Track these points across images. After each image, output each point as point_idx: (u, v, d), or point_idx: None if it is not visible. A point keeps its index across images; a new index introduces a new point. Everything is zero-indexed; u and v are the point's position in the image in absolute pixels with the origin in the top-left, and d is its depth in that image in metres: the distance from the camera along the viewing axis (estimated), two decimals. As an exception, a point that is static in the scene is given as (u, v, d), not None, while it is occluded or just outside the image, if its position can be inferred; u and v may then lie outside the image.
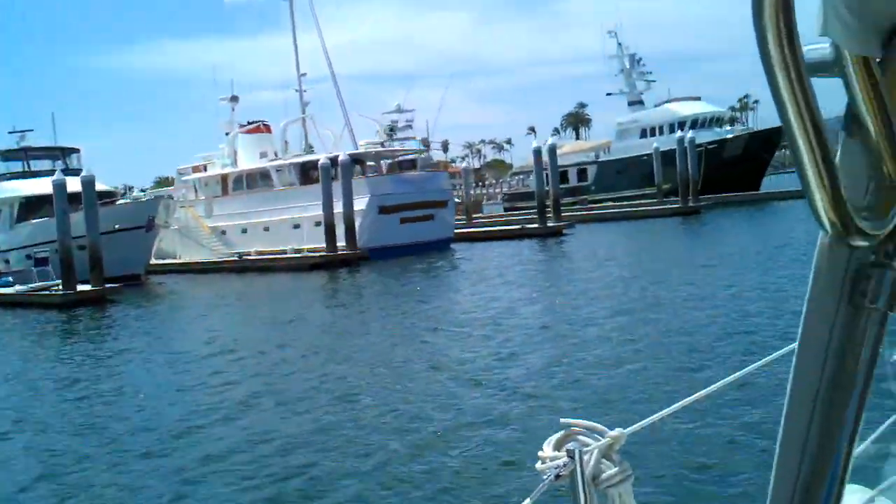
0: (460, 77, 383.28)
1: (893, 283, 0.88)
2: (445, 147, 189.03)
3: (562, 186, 59.08)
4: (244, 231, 37.11)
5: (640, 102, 59.87)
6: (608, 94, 62.64)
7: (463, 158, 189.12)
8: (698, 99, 58.33)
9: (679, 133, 48.52)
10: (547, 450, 1.65)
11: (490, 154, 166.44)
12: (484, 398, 9.72)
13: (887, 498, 2.32)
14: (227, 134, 42.44)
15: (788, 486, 0.93)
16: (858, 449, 3.25)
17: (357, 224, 31.42)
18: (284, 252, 33.05)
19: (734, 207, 43.57)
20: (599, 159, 59.49)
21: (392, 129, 74.81)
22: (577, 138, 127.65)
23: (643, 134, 55.79)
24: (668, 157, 45.18)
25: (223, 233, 38.13)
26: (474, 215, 54.05)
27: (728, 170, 49.86)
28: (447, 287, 22.15)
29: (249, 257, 34.92)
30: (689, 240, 30.71)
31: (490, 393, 9.90)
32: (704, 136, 51.79)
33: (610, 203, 52.21)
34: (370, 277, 27.02)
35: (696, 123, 53.79)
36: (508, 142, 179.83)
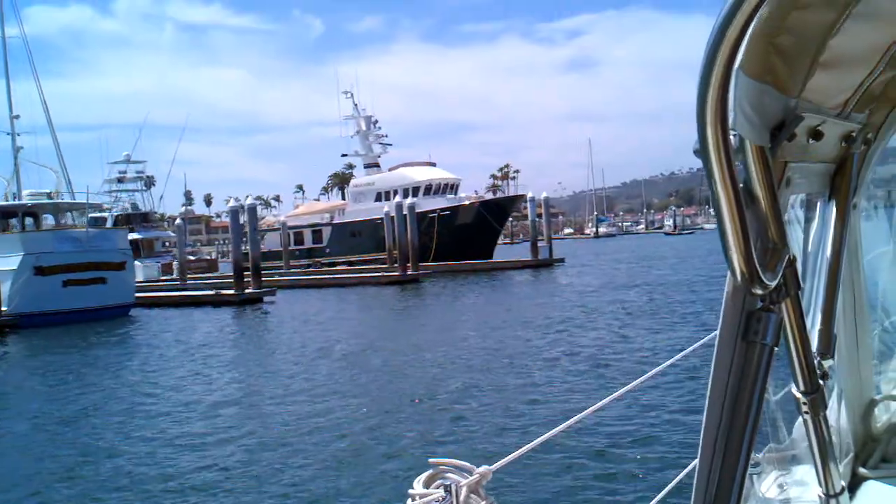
0: (234, 133, 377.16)
1: (777, 323, 1.12)
2: (208, 202, 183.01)
3: (297, 248, 58.68)
4: None
5: (377, 165, 61.27)
6: (343, 156, 63.52)
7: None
8: (433, 165, 60.79)
9: (411, 199, 49.83)
10: (417, 487, 1.76)
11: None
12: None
13: None
14: None
15: (703, 491, 1.12)
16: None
17: (6, 286, 27.97)
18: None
19: (458, 276, 44.69)
20: (334, 221, 59.67)
21: (121, 180, 70.22)
22: (343, 199, 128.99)
23: (378, 197, 56.82)
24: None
25: None
26: (202, 275, 51.55)
27: (460, 237, 51.96)
28: (104, 364, 19.66)
29: None
30: (392, 311, 30.53)
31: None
32: (437, 203, 53.84)
33: (344, 266, 52.18)
34: (7, 350, 23.90)
35: (430, 189, 55.86)
36: (277, 198, 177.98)
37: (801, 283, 1.19)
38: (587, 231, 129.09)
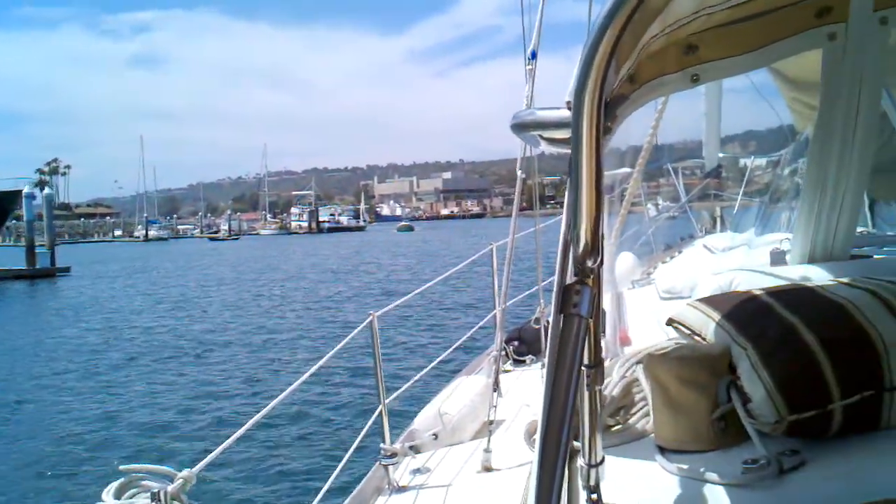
0: None
1: (591, 296, 1.17)
2: None
3: None
4: None
5: None
6: None
7: None
8: None
9: None
10: (107, 499, 1.66)
11: None
12: None
13: None
14: None
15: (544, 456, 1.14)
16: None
17: None
18: None
19: None
20: None
21: None
22: None
23: None
24: None
25: None
26: None
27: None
28: None
29: None
30: None
31: None
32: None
33: None
34: None
35: None
36: None
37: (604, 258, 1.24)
38: (136, 234, 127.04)
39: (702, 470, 1.88)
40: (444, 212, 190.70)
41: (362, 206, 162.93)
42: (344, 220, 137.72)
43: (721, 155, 9.40)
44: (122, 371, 16.89)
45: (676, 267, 5.63)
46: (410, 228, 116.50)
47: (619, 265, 5.46)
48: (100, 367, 17.45)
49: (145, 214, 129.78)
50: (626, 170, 4.80)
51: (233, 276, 43.85)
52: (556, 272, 1.24)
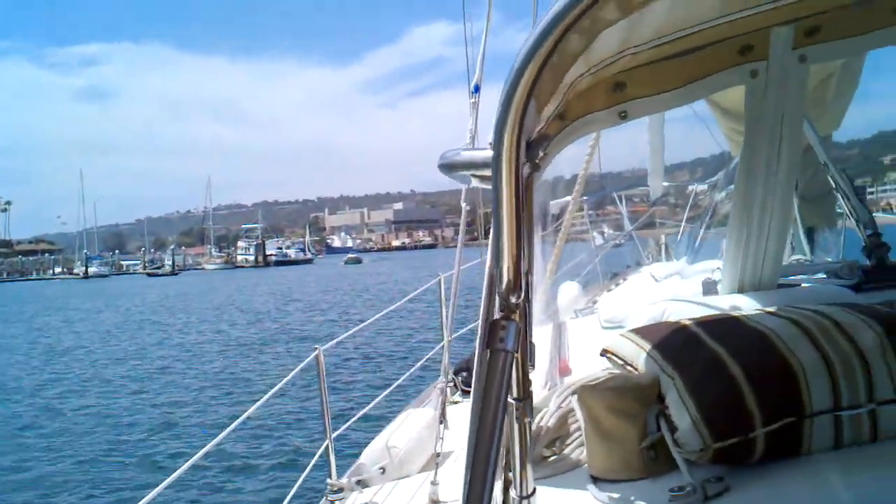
0: None
1: (516, 330, 1.19)
2: None
3: None
4: None
5: None
6: None
7: None
8: None
9: None
10: None
11: None
12: None
13: None
14: None
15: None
16: None
17: None
18: None
19: None
20: None
21: None
22: None
23: None
24: None
25: None
26: None
27: None
28: None
29: None
30: None
31: None
32: None
33: None
34: None
35: None
36: None
37: (531, 293, 1.27)
38: (76, 271, 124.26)
39: (632, 498, 1.93)
40: (396, 243, 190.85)
41: (307, 239, 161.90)
42: (292, 253, 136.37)
43: (665, 183, 9.62)
44: (44, 411, 16.61)
45: (618, 296, 5.71)
46: (358, 261, 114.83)
47: (563, 295, 5.54)
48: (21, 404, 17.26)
49: (85, 251, 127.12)
50: (569, 198, 5.00)
51: (158, 315, 41.59)
52: (482, 308, 1.27)
